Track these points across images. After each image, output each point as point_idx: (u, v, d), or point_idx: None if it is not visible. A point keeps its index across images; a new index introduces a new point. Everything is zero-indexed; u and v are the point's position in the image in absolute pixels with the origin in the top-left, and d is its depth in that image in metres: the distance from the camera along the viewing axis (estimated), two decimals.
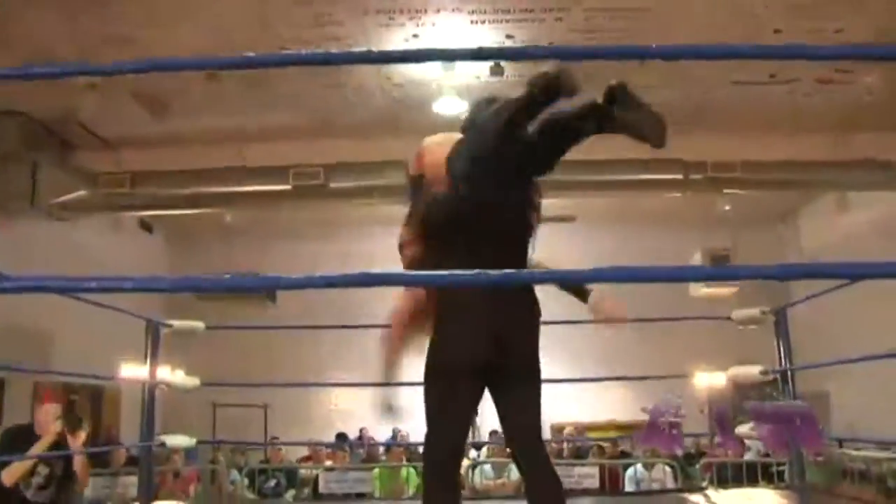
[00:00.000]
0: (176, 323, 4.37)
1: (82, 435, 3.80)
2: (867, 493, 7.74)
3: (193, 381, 4.41)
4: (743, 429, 4.35)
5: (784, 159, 8.92)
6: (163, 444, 4.26)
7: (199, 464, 8.54)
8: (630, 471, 6.48)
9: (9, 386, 9.32)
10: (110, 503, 5.79)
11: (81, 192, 9.07)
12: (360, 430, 10.91)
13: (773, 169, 8.97)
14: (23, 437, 3.74)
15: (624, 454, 7.47)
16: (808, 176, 9.09)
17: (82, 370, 6.97)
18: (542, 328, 2.59)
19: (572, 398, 11.81)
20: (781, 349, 4.22)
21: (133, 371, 4.44)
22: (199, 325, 4.39)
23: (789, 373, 4.22)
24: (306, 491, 7.69)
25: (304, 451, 10.35)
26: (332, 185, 8.52)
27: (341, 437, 10.56)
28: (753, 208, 11.73)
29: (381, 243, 14.93)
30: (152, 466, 4.43)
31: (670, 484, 6.30)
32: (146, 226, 13.37)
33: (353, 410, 12.16)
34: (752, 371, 4.02)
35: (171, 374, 5.15)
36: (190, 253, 13.74)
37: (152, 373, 4.26)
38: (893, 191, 9.25)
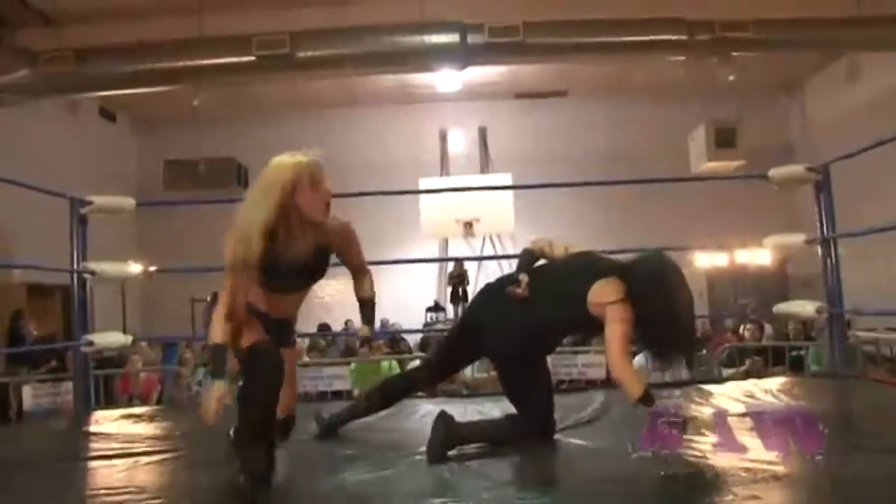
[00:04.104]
0: (98, 199, 3.62)
1: None
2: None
3: (133, 268, 3.72)
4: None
5: (799, 17, 8.06)
6: (91, 344, 3.59)
7: (171, 364, 7.93)
8: (639, 358, 5.84)
9: None
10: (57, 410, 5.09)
11: (23, 72, 8.18)
12: (346, 323, 10.34)
13: (787, 28, 8.10)
14: None
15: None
16: (827, 35, 8.22)
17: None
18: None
19: None
20: (823, 214, 3.54)
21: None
22: (128, 201, 3.67)
23: (831, 242, 3.57)
24: None
25: None
26: (300, 54, 7.60)
27: (324, 327, 10.00)
28: (758, 78, 10.88)
29: (360, 124, 13.92)
30: (89, 370, 3.79)
31: (684, 374, 5.71)
32: (108, 114, 12.47)
33: (339, 302, 11.70)
34: (796, 240, 3.37)
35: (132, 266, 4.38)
36: (158, 141, 12.92)
37: (77, 260, 3.57)
38: None
